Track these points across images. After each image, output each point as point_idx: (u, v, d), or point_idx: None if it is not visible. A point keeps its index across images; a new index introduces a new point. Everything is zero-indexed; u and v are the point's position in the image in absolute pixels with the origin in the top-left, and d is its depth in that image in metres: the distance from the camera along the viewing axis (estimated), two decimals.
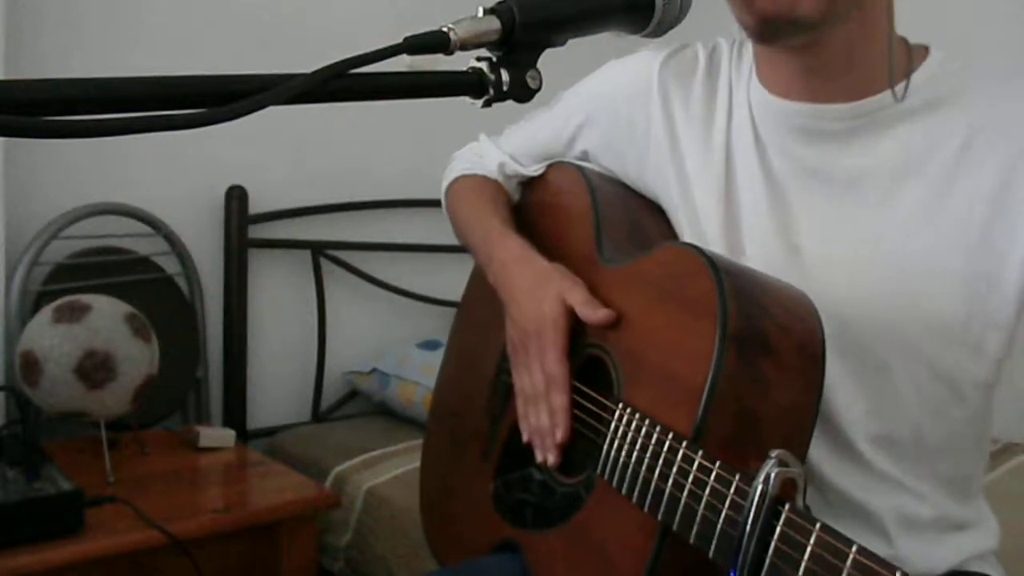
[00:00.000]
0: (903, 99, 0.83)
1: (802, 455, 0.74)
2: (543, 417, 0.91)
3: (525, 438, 0.94)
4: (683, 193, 0.96)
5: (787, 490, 0.64)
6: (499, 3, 0.63)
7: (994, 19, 2.15)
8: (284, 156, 2.29)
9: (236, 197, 2.17)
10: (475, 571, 0.98)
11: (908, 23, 0.86)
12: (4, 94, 0.47)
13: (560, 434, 0.89)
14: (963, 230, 0.81)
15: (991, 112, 0.82)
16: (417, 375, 2.22)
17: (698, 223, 0.94)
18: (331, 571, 1.91)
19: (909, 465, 0.86)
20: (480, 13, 0.62)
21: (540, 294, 0.93)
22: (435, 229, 2.46)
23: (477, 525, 1.03)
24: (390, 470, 1.93)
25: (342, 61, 0.56)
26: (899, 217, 0.84)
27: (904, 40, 0.88)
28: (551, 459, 0.90)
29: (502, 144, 1.17)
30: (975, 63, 0.85)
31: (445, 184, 1.21)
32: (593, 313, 0.89)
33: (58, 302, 1.70)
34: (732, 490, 0.67)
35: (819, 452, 0.85)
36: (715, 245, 0.91)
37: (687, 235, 0.95)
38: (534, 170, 1.13)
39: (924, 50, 0.87)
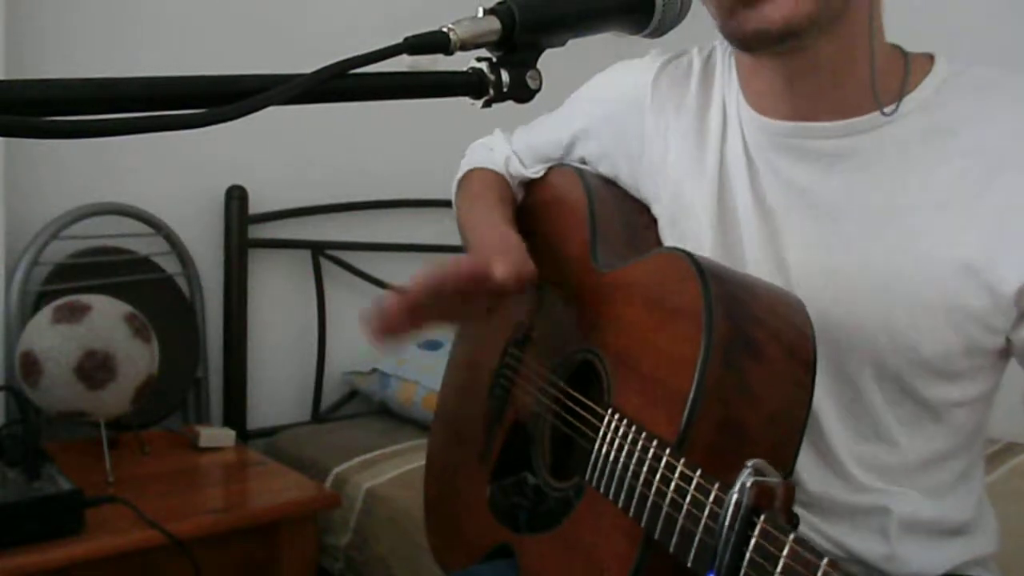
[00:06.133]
0: (892, 119, 0.80)
1: (791, 462, 0.72)
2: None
3: None
4: (675, 206, 0.95)
5: (765, 499, 0.62)
6: (499, 3, 0.63)
7: (994, 19, 2.15)
8: (284, 156, 2.29)
9: (236, 197, 2.17)
10: None
11: (908, 22, 0.85)
12: (4, 94, 0.47)
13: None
14: (953, 264, 0.77)
15: (995, 141, 0.78)
16: (417, 375, 2.22)
17: (690, 239, 0.92)
18: (331, 571, 1.91)
19: (897, 479, 0.85)
20: (480, 13, 0.62)
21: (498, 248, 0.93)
22: (435, 229, 2.45)
23: (474, 528, 1.03)
24: (390, 470, 1.93)
25: (342, 61, 0.56)
26: (887, 244, 0.81)
27: (900, 51, 0.85)
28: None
29: (512, 141, 1.17)
30: (985, 77, 0.81)
31: (458, 176, 1.21)
32: (507, 272, 0.85)
33: (58, 302, 1.70)
34: (711, 499, 0.66)
35: (807, 471, 0.84)
36: None
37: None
38: (535, 172, 1.13)
39: (928, 61, 0.84)
